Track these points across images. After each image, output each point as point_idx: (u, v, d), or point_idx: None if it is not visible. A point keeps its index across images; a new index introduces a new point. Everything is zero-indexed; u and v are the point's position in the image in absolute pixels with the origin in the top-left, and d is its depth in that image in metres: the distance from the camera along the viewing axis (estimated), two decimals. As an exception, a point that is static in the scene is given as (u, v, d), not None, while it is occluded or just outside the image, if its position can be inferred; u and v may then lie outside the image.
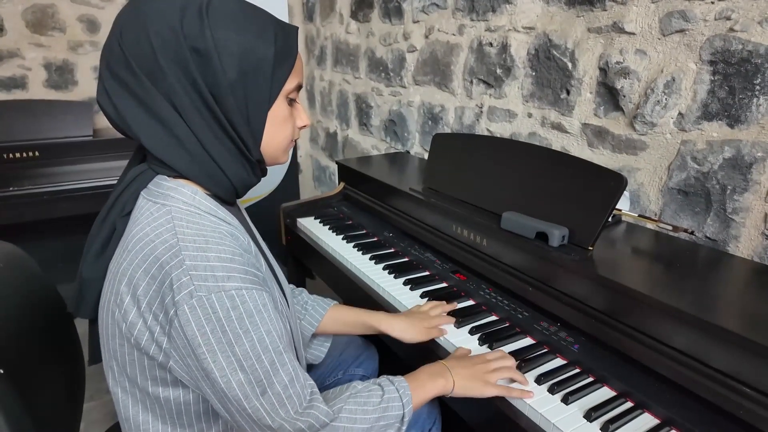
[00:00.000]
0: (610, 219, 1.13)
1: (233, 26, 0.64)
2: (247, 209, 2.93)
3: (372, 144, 2.27)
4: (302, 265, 1.69)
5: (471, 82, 1.59)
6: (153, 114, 0.64)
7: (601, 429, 0.73)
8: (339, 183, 1.76)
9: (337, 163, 1.74)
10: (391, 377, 0.79)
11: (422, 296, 1.12)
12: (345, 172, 1.74)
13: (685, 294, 0.83)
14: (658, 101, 1.07)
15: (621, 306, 0.85)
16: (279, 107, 0.71)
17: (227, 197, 0.73)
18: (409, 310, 1.06)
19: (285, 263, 1.76)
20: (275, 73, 0.68)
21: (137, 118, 0.65)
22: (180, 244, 0.61)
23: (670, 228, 0.98)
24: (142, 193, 0.68)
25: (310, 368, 1.13)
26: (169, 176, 0.68)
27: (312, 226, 1.55)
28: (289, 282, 1.01)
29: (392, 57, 1.98)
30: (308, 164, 3.03)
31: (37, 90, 2.30)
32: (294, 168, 2.75)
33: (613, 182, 0.93)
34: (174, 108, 0.64)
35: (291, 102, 0.74)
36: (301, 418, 0.65)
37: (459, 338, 0.96)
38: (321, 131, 2.79)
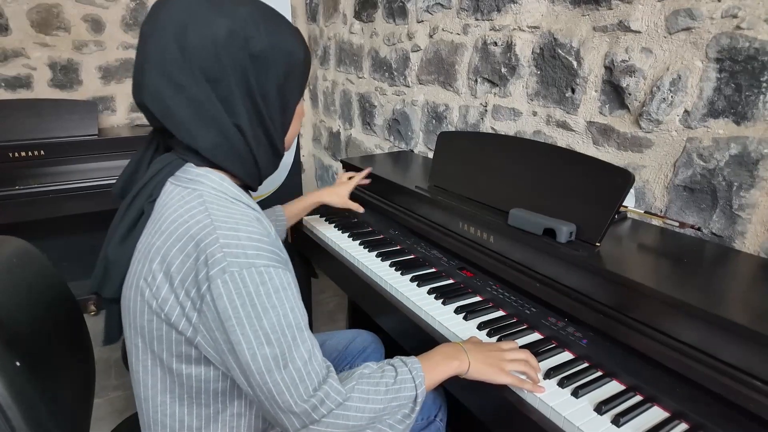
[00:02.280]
0: (616, 216, 1.15)
1: (279, 30, 0.70)
2: None
3: (375, 143, 2.27)
4: (307, 263, 1.70)
5: (475, 81, 1.60)
6: (205, 114, 0.68)
7: (612, 422, 0.74)
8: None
9: (341, 161, 1.75)
10: (404, 358, 0.79)
11: (429, 293, 1.12)
12: (349, 170, 1.74)
13: (693, 288, 0.84)
14: (664, 99, 1.08)
15: (629, 300, 0.86)
16: (301, 103, 0.78)
17: (253, 185, 0.77)
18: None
19: (291, 261, 1.77)
20: (305, 72, 0.75)
21: (186, 118, 0.67)
22: (214, 224, 0.64)
23: (677, 224, 0.99)
24: (169, 180, 0.71)
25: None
26: (197, 164, 0.71)
27: (317, 224, 1.56)
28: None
29: (396, 57, 1.99)
30: (311, 163, 3.03)
31: (42, 89, 2.31)
32: (297, 167, 2.75)
33: (621, 178, 0.94)
34: (225, 109, 0.68)
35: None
36: (316, 395, 0.66)
37: (468, 333, 0.97)
38: (324, 131, 2.80)
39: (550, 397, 0.79)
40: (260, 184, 0.79)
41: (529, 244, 1.04)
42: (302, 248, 1.64)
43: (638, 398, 0.79)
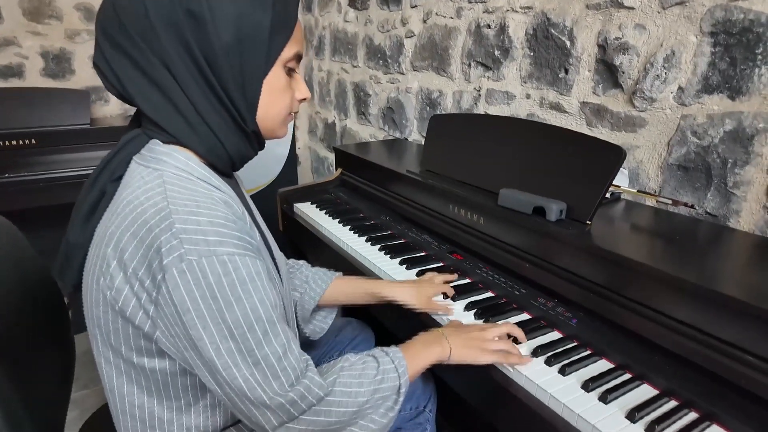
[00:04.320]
0: (608, 195, 1.13)
1: None
2: None
3: (370, 133, 2.25)
4: (300, 251, 1.67)
5: (469, 65, 1.58)
6: (150, 78, 0.63)
7: (599, 399, 0.71)
8: (336, 169, 1.75)
9: (334, 148, 1.73)
10: (385, 348, 0.77)
11: (418, 275, 1.10)
12: (342, 157, 1.73)
13: (686, 265, 0.81)
14: (658, 76, 1.05)
15: (620, 278, 0.84)
16: (276, 76, 0.68)
17: (223, 168, 0.71)
18: (412, 280, 1.05)
19: (283, 251, 1.75)
20: (272, 39, 0.66)
21: (134, 81, 0.63)
22: (170, 207, 0.59)
23: (670, 202, 0.97)
24: (134, 158, 0.67)
25: (308, 347, 1.11)
26: (163, 141, 0.66)
27: (309, 211, 1.54)
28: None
29: (390, 44, 1.96)
30: (306, 155, 3.01)
31: (35, 79, 2.29)
32: (293, 159, 2.73)
33: (612, 154, 0.91)
34: (170, 73, 0.63)
35: (290, 72, 0.72)
36: (295, 389, 0.63)
37: (454, 314, 0.95)
38: (319, 122, 2.78)
39: (536, 375, 0.76)
40: (234, 167, 0.73)
41: (519, 224, 1.02)
42: (293, 237, 1.62)
43: (627, 376, 0.76)
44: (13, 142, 2.00)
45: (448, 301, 0.98)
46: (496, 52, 1.46)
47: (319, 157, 2.88)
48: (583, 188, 0.96)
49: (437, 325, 0.95)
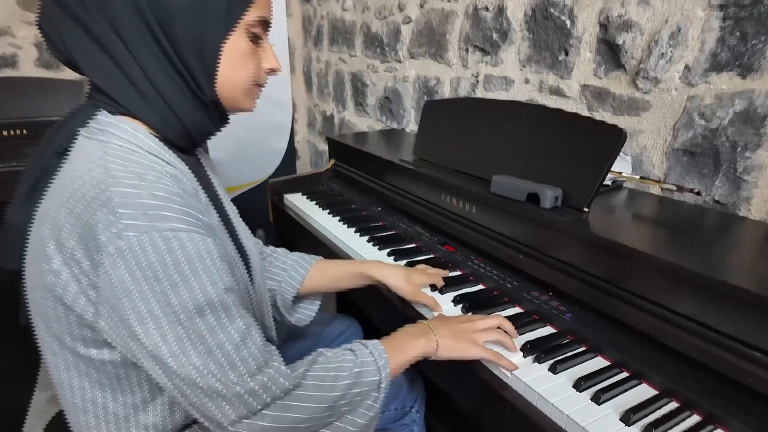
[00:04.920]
0: (609, 182, 1.06)
1: None
2: (243, 195, 2.83)
3: (368, 125, 2.19)
4: (290, 244, 1.62)
5: (467, 50, 1.51)
6: (97, 41, 0.58)
7: (591, 399, 0.65)
8: (330, 160, 1.69)
9: (327, 138, 1.67)
10: (364, 340, 0.72)
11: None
12: (336, 148, 1.67)
13: (690, 255, 0.75)
14: (662, 54, 0.98)
15: (618, 269, 0.77)
16: (237, 41, 0.63)
17: (180, 142, 0.66)
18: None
19: (274, 244, 1.69)
20: (232, 1, 0.61)
21: (80, 45, 0.58)
22: (109, 180, 0.54)
23: (675, 188, 0.90)
24: (81, 130, 0.61)
25: (292, 340, 1.06)
26: (111, 112, 0.61)
27: (299, 202, 1.48)
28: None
29: (387, 30, 1.90)
30: (305, 149, 2.96)
31: (28, 69, 2.26)
32: (291, 153, 2.69)
33: (611, 136, 0.85)
34: (118, 36, 0.58)
35: (256, 39, 0.66)
36: (256, 379, 0.57)
37: (442, 308, 0.89)
38: (318, 115, 2.73)
39: (524, 373, 0.70)
40: (194, 142, 0.68)
41: (512, 213, 0.96)
42: (284, 229, 1.57)
43: (624, 375, 0.70)
44: (5, 133, 1.97)
45: (437, 295, 0.92)
46: (494, 36, 1.39)
47: (318, 150, 2.83)
48: (580, 173, 0.89)
49: (422, 317, 0.89)
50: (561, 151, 0.93)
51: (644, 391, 0.67)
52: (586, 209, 0.88)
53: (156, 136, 0.62)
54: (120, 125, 0.59)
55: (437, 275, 0.94)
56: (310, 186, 1.61)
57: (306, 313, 0.98)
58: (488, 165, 1.07)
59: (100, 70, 0.59)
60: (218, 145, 2.46)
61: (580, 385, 0.67)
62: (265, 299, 0.88)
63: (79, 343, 0.59)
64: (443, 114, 1.25)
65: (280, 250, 0.99)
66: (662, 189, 0.99)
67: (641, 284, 0.74)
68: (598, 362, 0.73)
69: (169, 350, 0.54)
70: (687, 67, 0.95)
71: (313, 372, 0.63)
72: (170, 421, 0.66)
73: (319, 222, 1.32)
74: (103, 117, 0.60)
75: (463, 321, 0.77)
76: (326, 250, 1.23)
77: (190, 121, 0.64)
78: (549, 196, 0.89)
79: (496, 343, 0.75)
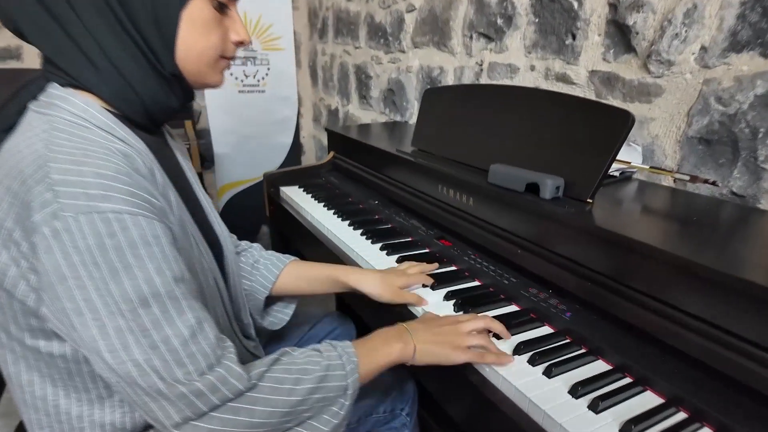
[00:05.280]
0: (617, 173, 0.99)
1: None
2: (246, 190, 2.77)
3: (372, 118, 2.14)
4: (285, 239, 1.57)
5: (471, 37, 1.44)
6: (46, 9, 0.53)
7: (589, 406, 0.58)
8: (329, 152, 1.64)
9: (326, 130, 1.62)
10: (334, 341, 0.66)
11: (398, 261, 0.98)
12: (335, 140, 1.62)
13: (704, 249, 0.68)
14: (677, 34, 0.91)
15: (624, 265, 0.70)
16: (199, 9, 0.58)
17: (139, 118, 0.61)
18: (382, 269, 0.92)
19: (270, 240, 1.65)
20: None
21: (28, 14, 0.54)
22: (49, 155, 0.49)
23: (688, 178, 0.82)
24: (30, 105, 0.57)
25: (277, 339, 1.00)
26: (61, 84, 0.56)
27: (294, 195, 1.43)
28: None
29: (391, 20, 1.84)
30: (311, 145, 2.92)
31: (32, 61, 2.25)
32: (296, 149, 2.65)
33: (617, 120, 0.78)
34: (68, 3, 0.53)
35: (222, 8, 0.61)
36: (204, 379, 0.52)
37: (432, 306, 0.82)
38: (323, 109, 2.68)
39: (516, 376, 0.64)
40: (155, 119, 0.63)
41: (510, 204, 0.89)
42: (279, 223, 1.52)
43: (627, 380, 0.63)
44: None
45: (427, 292, 0.86)
46: (499, 21, 1.33)
47: (323, 145, 2.78)
48: (583, 161, 0.83)
49: (415, 318, 0.83)
50: (563, 138, 0.86)
51: (649, 400, 0.60)
52: (589, 200, 0.81)
53: (111, 111, 0.58)
54: (70, 98, 0.55)
55: (420, 275, 0.88)
56: (307, 179, 1.56)
57: (279, 317, 0.93)
58: (487, 154, 1.01)
59: (49, 39, 0.54)
60: (223, 140, 2.43)
61: (576, 390, 0.60)
62: (241, 293, 0.83)
63: (25, 334, 0.54)
64: (442, 102, 1.19)
65: (256, 246, 0.94)
66: (675, 180, 0.91)
67: (649, 282, 0.67)
68: (599, 366, 0.66)
69: (107, 344, 0.49)
70: (703, 48, 0.88)
71: (272, 373, 0.57)
72: (129, 419, 0.62)
73: (313, 215, 1.26)
74: (54, 90, 0.56)
75: (446, 323, 0.71)
76: (319, 244, 1.17)
77: (148, 96, 0.59)
78: (549, 185, 0.83)
79: (481, 348, 0.68)
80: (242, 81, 2.42)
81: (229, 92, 2.39)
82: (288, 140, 2.63)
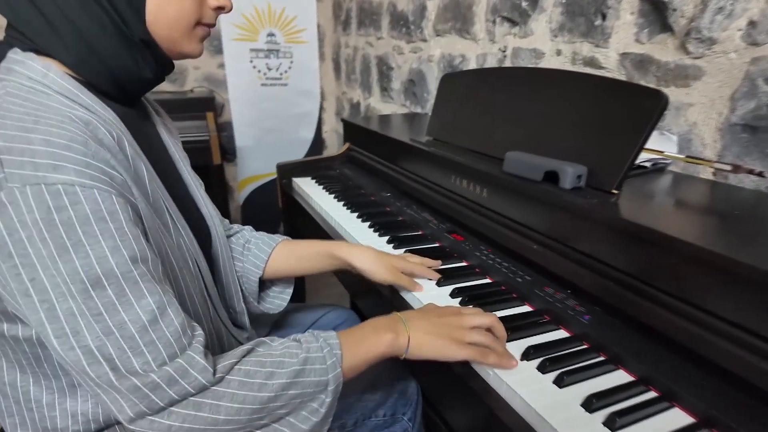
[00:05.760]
0: (648, 164, 0.89)
1: None
2: (266, 185, 2.72)
3: (393, 110, 2.08)
4: (296, 231, 1.52)
5: (494, 22, 1.36)
6: None
7: (605, 423, 0.51)
8: (344, 144, 1.59)
9: (342, 120, 1.57)
10: (318, 331, 0.60)
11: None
12: (350, 130, 1.56)
13: (747, 248, 0.58)
14: (720, 9, 0.81)
15: (653, 263, 0.62)
16: None
17: (108, 87, 0.56)
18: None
19: (281, 231, 1.61)
20: None
21: None
22: None
23: (729, 168, 0.73)
24: None
25: (277, 334, 0.95)
26: (23, 49, 0.52)
27: (306, 186, 1.38)
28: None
29: (413, 8, 1.78)
30: (333, 139, 2.88)
31: None
32: (318, 144, 2.61)
33: (648, 100, 0.69)
34: None
35: None
36: (162, 370, 0.47)
37: (435, 301, 0.75)
38: (346, 103, 2.64)
39: (521, 383, 0.57)
40: (124, 90, 0.58)
41: (526, 195, 0.81)
42: (290, 214, 1.48)
43: (651, 394, 0.55)
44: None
45: (428, 286, 0.79)
46: (524, 3, 1.24)
47: (345, 140, 2.74)
48: (608, 147, 0.74)
49: (411, 309, 0.76)
50: (586, 122, 0.78)
51: (676, 418, 0.52)
52: (615, 190, 0.73)
53: (76, 78, 0.53)
54: (28, 63, 0.51)
55: (421, 266, 0.81)
56: (321, 170, 1.51)
57: (276, 302, 0.88)
58: (504, 142, 0.93)
59: (6, 1, 0.51)
60: (245, 134, 2.42)
61: (591, 403, 0.52)
62: (233, 279, 0.78)
63: None
64: (460, 88, 1.11)
65: (247, 227, 0.89)
66: (714, 171, 0.82)
67: (681, 283, 0.58)
68: (619, 377, 0.58)
69: (55, 329, 0.44)
70: (751, 23, 0.78)
71: (243, 366, 0.52)
72: (103, 410, 0.58)
73: (321, 205, 1.21)
74: (13, 54, 0.52)
75: (448, 314, 0.64)
76: (325, 235, 1.12)
77: (116, 64, 0.54)
78: (570, 174, 0.75)
79: (483, 347, 0.61)
80: (265, 74, 2.40)
81: (252, 85, 2.37)
82: (309, 134, 2.60)
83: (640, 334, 0.62)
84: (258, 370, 0.52)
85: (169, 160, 0.69)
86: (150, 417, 0.47)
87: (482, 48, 1.44)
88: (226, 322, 0.74)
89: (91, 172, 0.46)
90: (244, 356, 0.53)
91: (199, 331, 0.52)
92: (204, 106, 2.21)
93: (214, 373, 0.50)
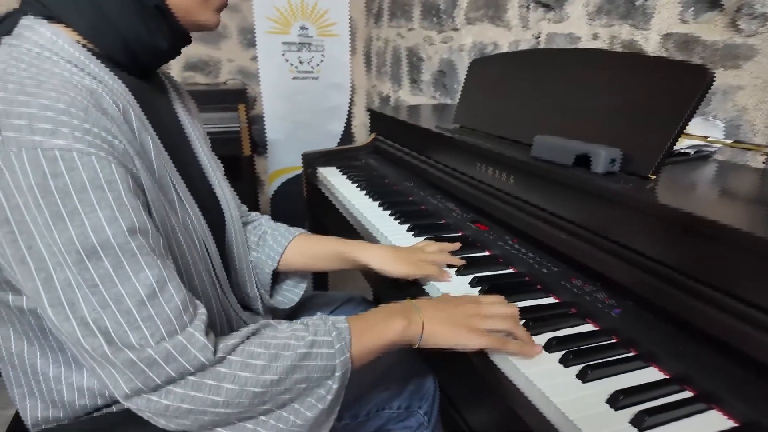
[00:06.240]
0: (691, 151, 0.83)
1: None
2: (295, 177, 2.72)
3: (421, 103, 2.04)
4: (319, 221, 1.51)
5: (527, 7, 1.31)
6: None
7: (632, 422, 0.46)
8: (370, 134, 1.56)
9: (368, 110, 1.55)
10: (326, 315, 0.58)
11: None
12: (376, 120, 1.54)
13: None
14: (777, -19, 0.74)
15: (694, 254, 0.57)
16: None
17: (120, 57, 0.55)
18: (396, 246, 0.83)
19: (306, 223, 1.59)
20: None
21: None
22: None
23: (784, 153, 0.66)
24: (3, 39, 0.53)
25: (294, 317, 0.93)
26: (35, 15, 0.52)
27: (330, 175, 1.36)
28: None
29: (445, -4, 1.74)
30: (362, 134, 2.86)
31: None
32: (348, 138, 2.60)
33: (691, 77, 0.64)
34: None
35: None
36: (160, 346, 0.45)
37: (454, 291, 0.72)
38: (376, 96, 2.61)
39: (540, 376, 0.52)
40: (137, 60, 0.56)
41: (555, 181, 0.77)
42: (314, 204, 1.46)
43: (686, 394, 0.50)
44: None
45: (447, 269, 0.76)
46: (559, -13, 1.19)
47: (375, 134, 2.72)
48: (645, 129, 0.69)
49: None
50: (621, 103, 0.73)
51: (714, 421, 0.47)
52: (651, 176, 0.67)
53: (88, 47, 0.52)
54: (38, 28, 0.50)
55: (441, 253, 0.77)
56: (346, 160, 1.49)
57: (290, 297, 0.85)
58: (534, 127, 0.88)
59: None
60: (275, 127, 2.43)
61: (617, 400, 0.48)
62: (247, 265, 0.77)
63: None
64: (489, 73, 1.07)
65: (265, 217, 0.87)
66: (767, 158, 0.74)
67: (729, 277, 0.53)
68: (651, 374, 0.53)
69: (51, 298, 0.43)
70: (812, -5, 0.71)
71: (246, 347, 0.50)
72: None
73: (344, 194, 1.19)
74: (25, 20, 0.51)
75: (465, 302, 0.60)
76: (346, 224, 1.10)
77: (128, 30, 0.53)
78: (603, 157, 0.70)
79: (505, 334, 0.57)
80: (297, 67, 2.40)
81: (283, 78, 2.38)
82: (339, 128, 2.59)
83: (676, 330, 0.56)
84: (262, 352, 0.50)
85: (184, 139, 0.68)
86: (146, 395, 0.45)
87: (515, 35, 1.39)
88: (236, 307, 0.72)
89: (90, 139, 0.44)
90: (248, 337, 0.51)
91: (202, 310, 0.50)
92: (236, 98, 2.23)
93: (215, 353, 0.47)
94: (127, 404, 0.46)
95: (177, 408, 0.46)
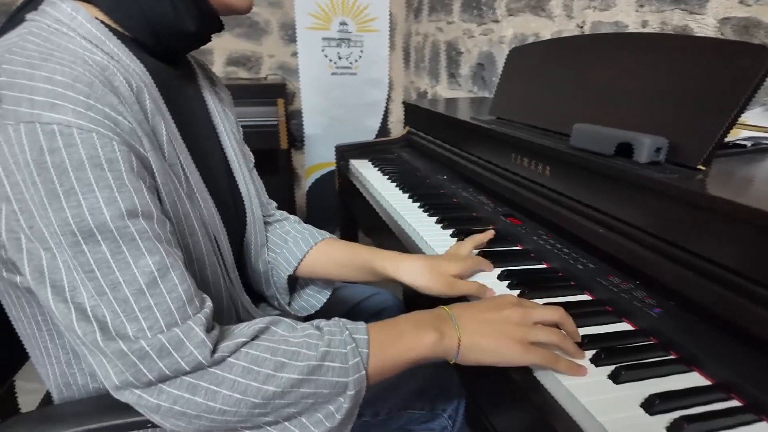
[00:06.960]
0: (748, 143, 0.76)
1: None
2: (332, 172, 2.73)
3: (459, 98, 2.00)
4: (350, 213, 1.49)
5: (572, -4, 1.25)
6: None
7: (668, 429, 0.42)
8: (404, 127, 1.54)
9: (403, 103, 1.52)
10: (346, 321, 0.52)
11: (453, 236, 0.85)
12: (410, 112, 1.52)
13: None
14: None
15: (749, 251, 0.51)
16: None
17: (145, 38, 0.54)
18: (428, 256, 0.77)
19: (341, 218, 1.58)
20: None
21: None
22: (5, 57, 0.43)
23: None
24: (28, 15, 0.52)
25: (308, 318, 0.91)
26: None
27: (361, 167, 1.35)
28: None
29: (486, -12, 1.69)
30: (398, 130, 2.84)
31: None
32: (384, 134, 2.59)
33: (749, 58, 0.58)
34: None
35: None
36: (155, 339, 0.42)
37: (493, 291, 0.67)
38: (413, 92, 2.59)
39: (569, 376, 0.49)
40: (162, 42, 0.55)
41: (595, 171, 0.72)
42: (345, 196, 1.45)
43: (733, 403, 0.45)
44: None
45: (481, 274, 0.71)
46: (606, -28, 1.13)
47: (412, 131, 2.69)
48: (694, 117, 0.63)
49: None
50: (669, 89, 0.67)
51: (765, 434, 0.42)
52: (701, 167, 0.62)
53: (111, 27, 0.52)
54: (60, 5, 0.49)
55: (478, 258, 0.71)
56: (379, 153, 1.48)
57: (312, 303, 0.80)
58: (574, 117, 0.83)
59: None
60: (313, 121, 2.45)
61: (652, 404, 0.44)
62: (264, 263, 0.75)
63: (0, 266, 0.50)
64: (528, 61, 1.03)
65: (292, 217, 0.83)
66: (835, 151, 0.67)
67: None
68: (693, 379, 0.48)
69: (53, 281, 0.42)
70: None
71: (252, 349, 0.46)
72: None
73: (374, 185, 1.17)
74: None
75: (505, 306, 0.55)
76: (375, 216, 1.08)
77: (152, 10, 0.52)
78: (647, 145, 0.65)
79: (554, 347, 0.52)
80: (335, 63, 2.41)
81: (322, 74, 2.40)
82: (376, 124, 2.59)
83: (724, 333, 0.51)
84: (267, 358, 0.45)
85: (210, 128, 0.66)
86: (138, 391, 0.43)
87: (558, 25, 1.33)
88: (247, 305, 0.69)
89: (91, 115, 0.42)
90: (255, 337, 0.47)
91: (209, 303, 0.48)
92: (275, 92, 2.26)
93: (214, 351, 0.44)
94: (117, 397, 0.44)
95: (169, 409, 0.43)
